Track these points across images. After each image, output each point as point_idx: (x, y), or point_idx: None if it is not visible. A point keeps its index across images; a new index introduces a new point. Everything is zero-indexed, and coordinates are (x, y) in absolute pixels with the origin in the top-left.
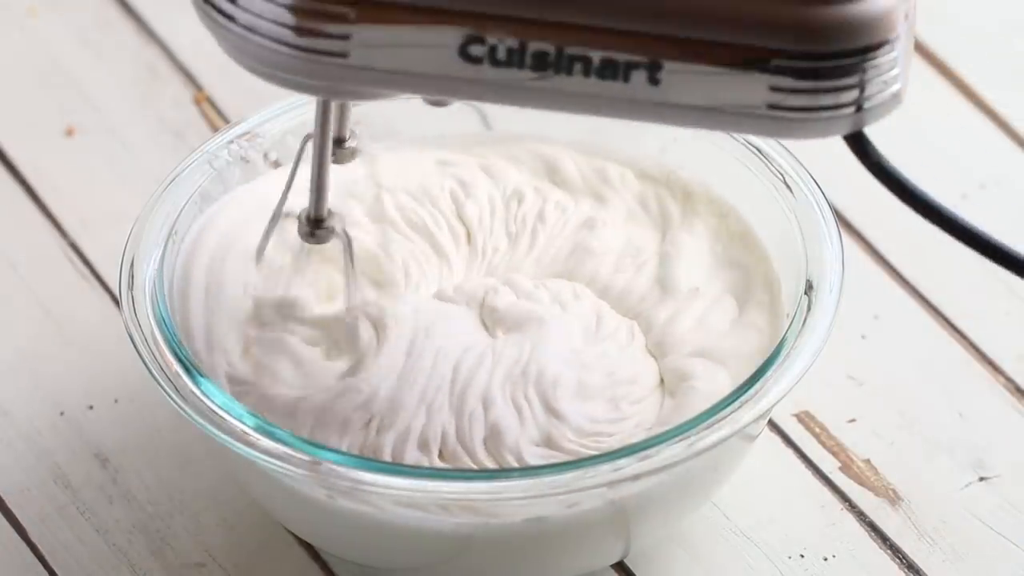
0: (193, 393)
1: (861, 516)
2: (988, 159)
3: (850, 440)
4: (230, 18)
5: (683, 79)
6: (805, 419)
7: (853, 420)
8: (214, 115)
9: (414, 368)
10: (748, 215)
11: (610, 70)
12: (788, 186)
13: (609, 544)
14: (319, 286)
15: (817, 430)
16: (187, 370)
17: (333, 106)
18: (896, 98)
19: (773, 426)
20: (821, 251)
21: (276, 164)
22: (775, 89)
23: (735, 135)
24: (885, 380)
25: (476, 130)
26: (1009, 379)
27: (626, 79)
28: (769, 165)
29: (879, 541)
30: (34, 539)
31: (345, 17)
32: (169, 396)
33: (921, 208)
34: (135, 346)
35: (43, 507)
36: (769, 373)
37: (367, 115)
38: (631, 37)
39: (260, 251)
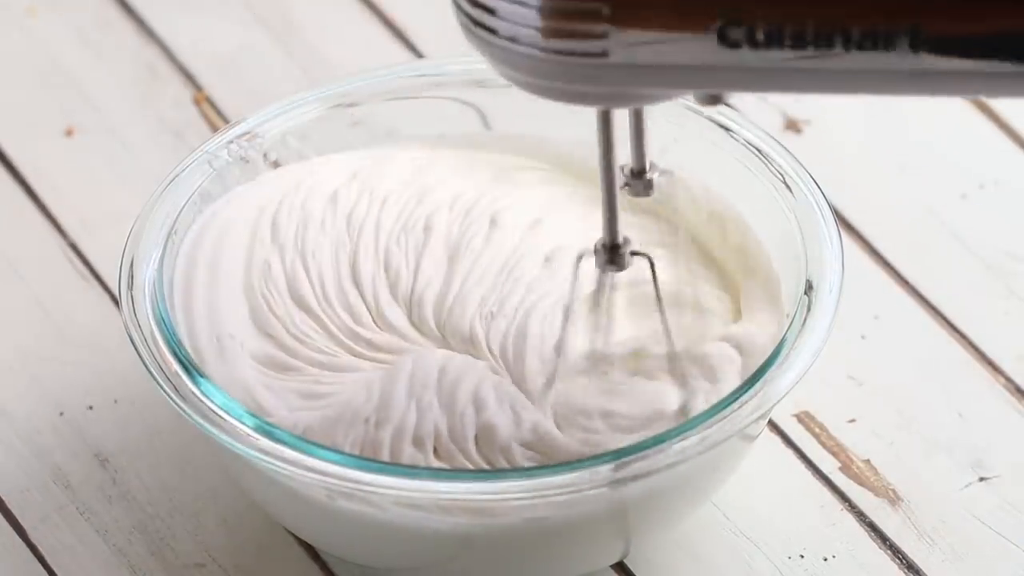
0: (193, 393)
1: (861, 516)
2: (988, 159)
3: (850, 440)
4: (493, 32)
5: (945, 44)
6: (805, 419)
7: (853, 420)
8: (214, 115)
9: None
10: (748, 215)
11: (871, 41)
12: (788, 186)
13: (609, 544)
14: None
15: (817, 430)
16: (187, 370)
17: (625, 130)
18: None
19: (773, 426)
20: (821, 251)
21: (276, 164)
22: None
23: (743, 140)
24: (885, 380)
25: (476, 130)
26: (1009, 379)
27: (888, 48)
28: (769, 165)
29: (879, 541)
30: (34, 539)
31: (600, 14)
32: (169, 396)
33: None
34: (135, 346)
35: (43, 507)
36: (769, 373)
37: (368, 116)
38: (890, 4)
39: (567, 312)
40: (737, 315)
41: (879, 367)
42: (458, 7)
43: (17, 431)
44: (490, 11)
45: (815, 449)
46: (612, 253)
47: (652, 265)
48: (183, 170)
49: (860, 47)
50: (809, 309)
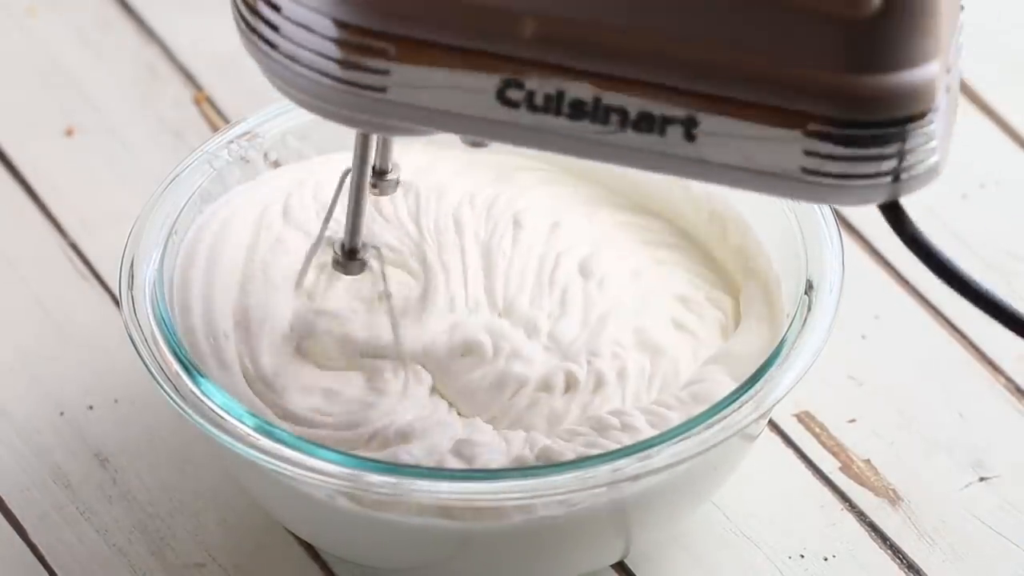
0: (193, 393)
1: (861, 516)
2: (988, 159)
3: (850, 440)
4: (273, 46)
5: (719, 137)
6: (805, 419)
7: (853, 420)
8: (214, 115)
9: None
10: (748, 215)
11: (646, 123)
12: None
13: (609, 544)
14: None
15: (817, 430)
16: (187, 370)
17: (375, 138)
18: (934, 170)
19: (773, 426)
20: (821, 251)
21: (276, 164)
22: (810, 154)
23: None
24: (885, 380)
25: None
26: (1009, 379)
27: (662, 133)
28: None
29: (879, 541)
30: (34, 539)
31: (386, 53)
32: (169, 396)
33: (955, 283)
34: (135, 346)
35: (43, 507)
36: (769, 373)
37: None
38: (669, 91)
39: (301, 277)
40: (737, 316)
41: (879, 367)
42: (235, 7)
43: (17, 431)
44: (272, 26)
45: (815, 449)
46: (348, 257)
47: (380, 256)
48: (183, 170)
49: (636, 128)
50: (809, 309)
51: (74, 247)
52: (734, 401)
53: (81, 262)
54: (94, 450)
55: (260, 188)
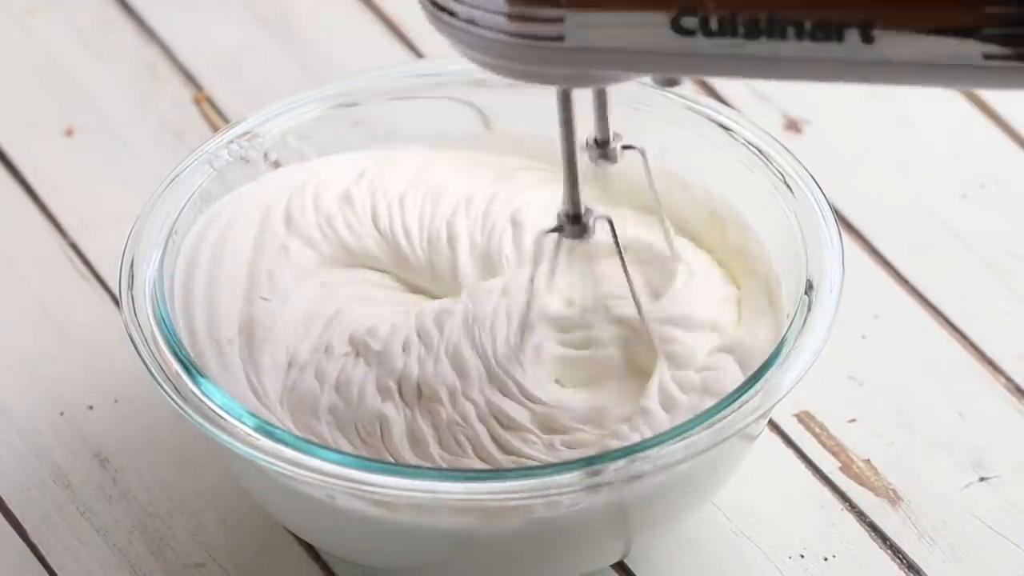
0: (193, 393)
1: (861, 516)
2: (988, 159)
3: (850, 440)
4: (453, 14)
5: (897, 36)
6: (805, 419)
7: (853, 420)
8: (214, 115)
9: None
10: (748, 215)
11: (823, 31)
12: (788, 186)
13: (609, 544)
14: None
15: (817, 430)
16: (187, 370)
17: (588, 103)
18: None
19: (773, 426)
20: (821, 251)
21: (276, 164)
22: (990, 40)
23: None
24: (885, 380)
25: (476, 130)
26: (1009, 379)
27: (840, 39)
28: (769, 165)
29: (879, 541)
30: (34, 539)
31: (558, 0)
32: (169, 396)
33: None
34: (135, 346)
35: (43, 507)
36: (769, 373)
37: (368, 116)
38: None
39: (518, 349)
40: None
41: (879, 367)
42: None
43: (17, 431)
44: None
45: (815, 449)
46: (574, 222)
47: (612, 226)
48: (183, 170)
49: (812, 37)
50: (809, 309)
51: (74, 247)
52: (734, 401)
53: (81, 262)
54: (94, 450)
55: (261, 188)
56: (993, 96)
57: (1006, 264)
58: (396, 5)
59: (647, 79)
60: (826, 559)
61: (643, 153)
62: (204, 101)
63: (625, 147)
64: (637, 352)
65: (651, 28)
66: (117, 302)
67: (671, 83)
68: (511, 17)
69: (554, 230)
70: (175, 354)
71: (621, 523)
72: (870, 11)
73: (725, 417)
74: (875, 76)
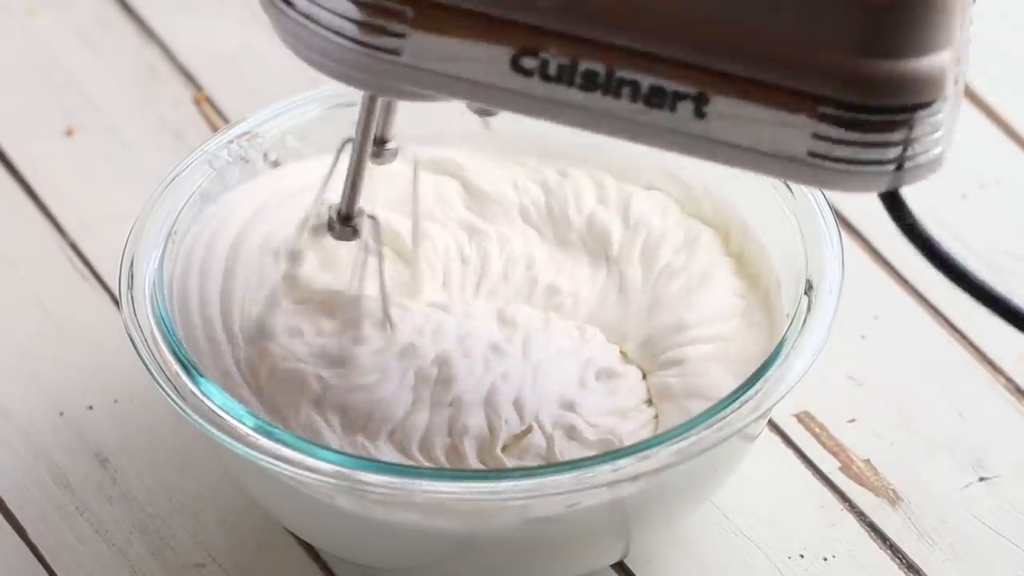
0: (193, 393)
1: (861, 516)
2: (988, 159)
3: (850, 440)
4: (290, 4)
5: (729, 116)
6: (805, 419)
7: (853, 420)
8: (214, 115)
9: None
10: (748, 215)
11: (658, 98)
12: (788, 186)
13: (609, 544)
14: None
15: (817, 430)
16: (187, 370)
17: (380, 106)
18: (937, 161)
19: (773, 426)
20: (821, 251)
21: (276, 164)
22: (818, 137)
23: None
24: (885, 380)
25: (476, 130)
26: (1009, 379)
27: (672, 109)
28: None
29: (879, 541)
30: (34, 539)
31: (403, 16)
32: (169, 396)
33: (953, 275)
34: (135, 346)
35: (43, 507)
36: (769, 373)
37: None
38: (682, 66)
39: (299, 233)
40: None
41: (879, 367)
42: None
43: (17, 431)
44: None
45: (815, 449)
46: (342, 222)
47: (376, 224)
48: (183, 170)
49: (647, 102)
50: (809, 309)
51: (74, 247)
52: (734, 401)
53: (81, 262)
54: (94, 450)
55: (263, 189)
56: (993, 96)
57: (1006, 264)
58: None
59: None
60: (826, 559)
61: (415, 158)
62: (204, 101)
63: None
64: None
65: (491, 62)
66: (117, 302)
67: (486, 113)
68: (358, 24)
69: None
70: (175, 354)
71: (621, 523)
72: (706, 85)
73: (725, 417)
74: (704, 152)
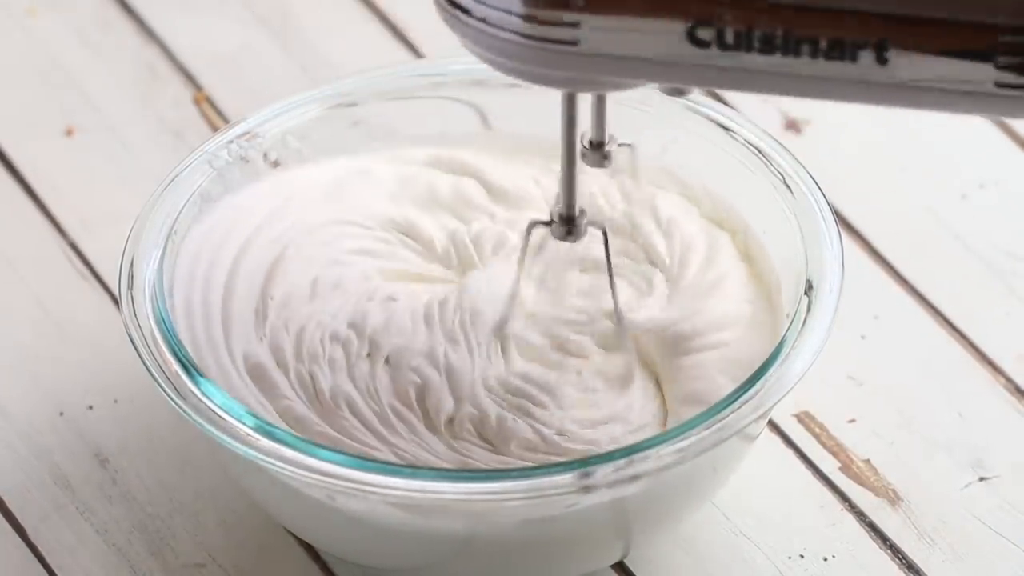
0: (193, 393)
1: (861, 516)
2: (988, 159)
3: (850, 440)
4: (466, 11)
5: (911, 59)
6: (805, 419)
7: (853, 420)
8: (214, 115)
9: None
10: (748, 215)
11: (838, 51)
12: (788, 186)
13: (609, 544)
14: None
15: (817, 430)
16: (187, 370)
17: (588, 106)
18: None
19: (773, 426)
20: (821, 251)
21: (276, 164)
22: (1002, 67)
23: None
24: (885, 380)
25: (476, 130)
26: (1009, 379)
27: (854, 59)
28: (769, 165)
29: (879, 541)
30: (34, 539)
31: (575, 4)
32: (169, 396)
33: None
34: (135, 346)
35: (43, 507)
36: (769, 373)
37: (368, 116)
38: (857, 16)
39: (500, 328)
40: None
41: (879, 367)
42: None
43: (17, 431)
44: None
45: (815, 449)
46: (568, 224)
47: (605, 236)
48: (183, 170)
49: (827, 56)
50: (809, 309)
51: (74, 247)
52: (734, 401)
53: (81, 262)
54: (94, 450)
55: (263, 189)
56: None
57: (1006, 264)
58: (396, 5)
59: (655, 86)
60: (826, 559)
61: (632, 148)
62: (204, 101)
63: (620, 144)
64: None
65: (667, 37)
66: (117, 302)
67: (680, 93)
68: (526, 19)
69: (545, 224)
70: (175, 354)
71: (621, 523)
72: (885, 32)
73: (725, 417)
74: (888, 98)
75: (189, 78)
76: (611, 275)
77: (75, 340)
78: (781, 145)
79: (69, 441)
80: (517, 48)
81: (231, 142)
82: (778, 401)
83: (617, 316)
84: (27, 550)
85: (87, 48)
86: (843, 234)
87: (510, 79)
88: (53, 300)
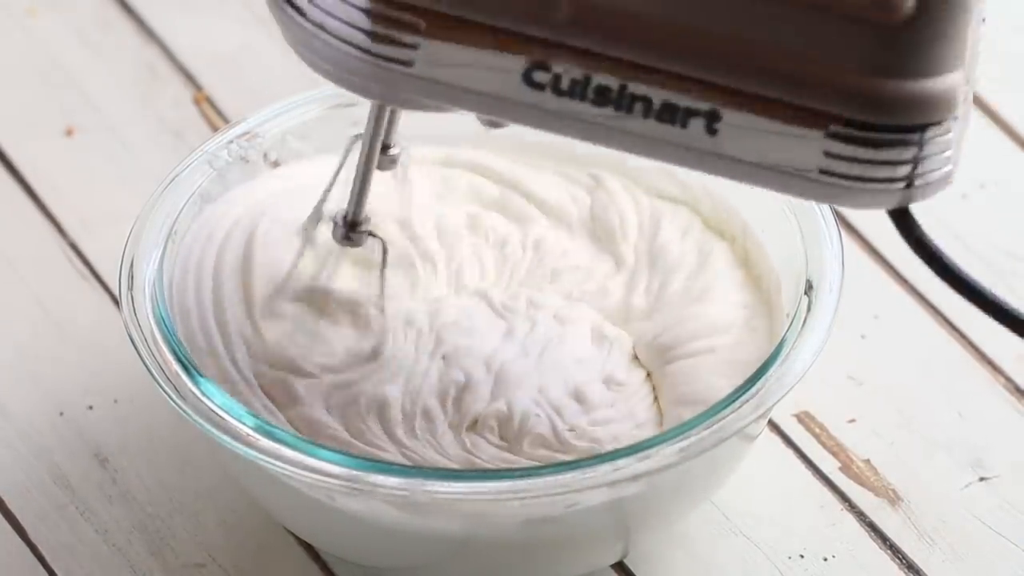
0: (193, 393)
1: (861, 516)
2: (988, 159)
3: (850, 440)
4: (301, 12)
5: (740, 132)
6: (805, 419)
7: (853, 420)
8: (214, 115)
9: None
10: (748, 215)
11: (669, 114)
12: None
13: (609, 544)
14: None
15: (817, 430)
16: (187, 370)
17: (388, 111)
18: (946, 179)
19: (773, 426)
20: (821, 251)
21: (276, 164)
22: (829, 155)
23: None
24: (885, 380)
25: (476, 129)
26: (1009, 379)
27: (684, 125)
28: None
29: (879, 541)
30: (34, 539)
31: (416, 27)
32: (169, 396)
33: (960, 286)
34: (135, 346)
35: (43, 507)
36: (769, 373)
37: (367, 115)
38: (693, 83)
39: (307, 233)
40: None
41: (879, 367)
42: None
43: (17, 431)
44: None
45: (815, 449)
46: (349, 229)
47: (384, 250)
48: (183, 170)
49: (658, 118)
50: (809, 309)
51: (74, 247)
52: (734, 401)
53: (81, 262)
54: (94, 450)
55: (262, 189)
56: (994, 97)
57: (1006, 264)
58: None
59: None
60: (826, 559)
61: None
62: (204, 101)
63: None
64: None
65: (503, 75)
66: (117, 302)
67: (495, 125)
68: (369, 34)
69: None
70: (175, 354)
71: (621, 523)
72: (717, 99)
73: (725, 417)
74: (715, 168)
75: (189, 78)
76: (383, 287)
77: (75, 340)
78: None
79: (69, 441)
80: (351, 60)
81: (231, 142)
82: (778, 401)
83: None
84: (27, 550)
85: (87, 48)
86: (843, 234)
87: (342, 88)
88: (53, 300)
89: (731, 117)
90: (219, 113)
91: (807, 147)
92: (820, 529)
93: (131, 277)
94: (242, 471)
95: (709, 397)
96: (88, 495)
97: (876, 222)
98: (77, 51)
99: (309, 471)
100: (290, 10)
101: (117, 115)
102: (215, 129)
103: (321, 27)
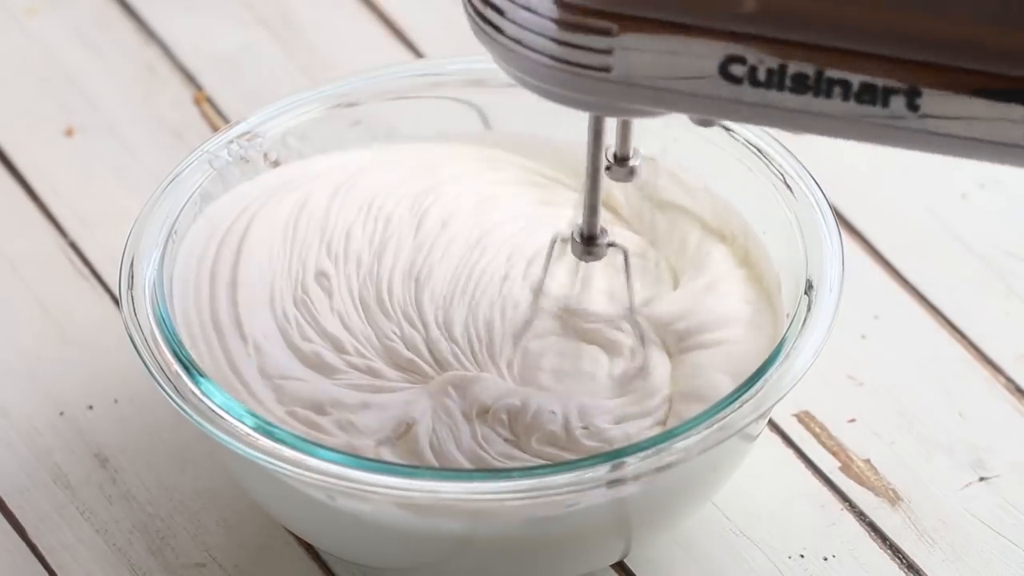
0: (193, 393)
1: (861, 516)
2: None
3: (850, 440)
4: (499, 30)
5: (941, 107)
6: (805, 419)
7: (853, 420)
8: (214, 115)
9: None
10: (748, 215)
11: (869, 94)
12: (788, 186)
13: (609, 544)
14: None
15: (817, 430)
16: (187, 370)
17: (614, 123)
18: None
19: (773, 426)
20: (821, 251)
21: (276, 164)
22: None
23: (733, 131)
24: (885, 380)
25: (476, 129)
26: (1009, 379)
27: (885, 104)
28: (769, 165)
29: (879, 541)
30: (34, 539)
31: (608, 31)
32: (169, 396)
33: None
34: (135, 346)
35: (43, 507)
36: (769, 373)
37: (368, 116)
38: (890, 62)
39: (538, 288)
40: None
41: (879, 367)
42: (467, 0)
43: (17, 431)
44: (498, 10)
45: (815, 449)
46: (588, 243)
47: (626, 258)
48: (183, 170)
49: (858, 99)
50: (809, 309)
51: (74, 247)
52: (734, 401)
53: (81, 262)
54: (94, 450)
55: (263, 189)
56: None
57: (1006, 264)
58: (396, 5)
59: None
60: (826, 559)
61: (655, 162)
62: (204, 101)
63: (645, 158)
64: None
65: (699, 72)
66: (117, 302)
67: (707, 123)
68: (560, 43)
69: (566, 240)
70: (175, 354)
71: (621, 523)
72: (916, 76)
73: (725, 417)
74: (920, 144)
75: (189, 78)
76: (632, 298)
77: (75, 340)
78: (781, 145)
79: (69, 441)
80: (549, 72)
81: (231, 142)
82: (778, 401)
83: (633, 318)
84: (27, 550)
85: (87, 48)
86: (843, 234)
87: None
88: (53, 300)
89: (931, 92)
90: (219, 113)
91: (1010, 115)
92: (820, 529)
93: (131, 277)
94: (242, 471)
95: (711, 395)
96: (88, 495)
97: (876, 222)
98: (77, 51)
99: (309, 471)
100: (489, 29)
101: (117, 115)
102: (215, 129)
103: (519, 42)
